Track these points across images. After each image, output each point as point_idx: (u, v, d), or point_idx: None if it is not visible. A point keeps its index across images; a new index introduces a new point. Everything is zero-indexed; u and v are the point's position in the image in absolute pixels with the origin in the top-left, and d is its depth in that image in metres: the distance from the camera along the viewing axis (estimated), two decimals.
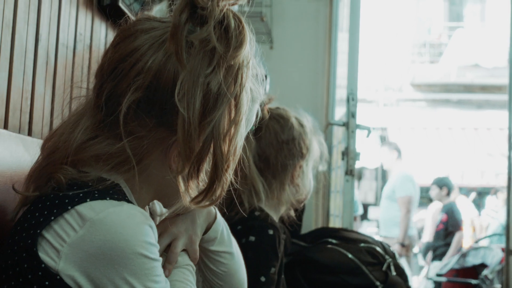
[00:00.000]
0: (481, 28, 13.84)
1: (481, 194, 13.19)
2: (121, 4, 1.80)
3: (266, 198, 1.64)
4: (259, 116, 1.62)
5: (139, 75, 0.97)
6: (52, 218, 0.91)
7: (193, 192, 0.99)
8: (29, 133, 1.38)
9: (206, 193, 0.97)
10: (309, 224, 3.28)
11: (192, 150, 0.93)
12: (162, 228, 1.16)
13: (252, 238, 1.54)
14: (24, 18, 1.35)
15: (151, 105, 0.98)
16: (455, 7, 14.64)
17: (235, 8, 3.57)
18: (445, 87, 13.49)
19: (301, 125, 1.72)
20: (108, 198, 0.93)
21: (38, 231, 0.91)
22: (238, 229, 1.55)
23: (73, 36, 1.61)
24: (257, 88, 1.10)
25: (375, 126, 11.89)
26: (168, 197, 1.08)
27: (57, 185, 0.97)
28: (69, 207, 0.91)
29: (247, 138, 1.61)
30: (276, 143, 1.66)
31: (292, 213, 1.76)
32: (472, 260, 5.95)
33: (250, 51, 1.00)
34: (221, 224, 1.25)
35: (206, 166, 0.96)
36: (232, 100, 0.96)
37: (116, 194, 0.96)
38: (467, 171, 11.97)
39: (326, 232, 2.24)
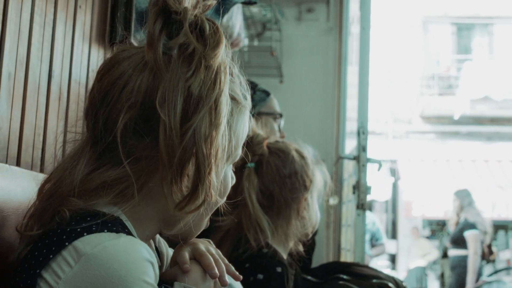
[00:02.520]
0: (489, 61, 13.87)
1: (493, 227, 13.08)
2: (133, 40, 1.82)
3: (272, 235, 1.62)
4: (259, 152, 1.61)
5: (131, 94, 0.97)
6: (51, 256, 0.89)
7: (177, 198, 0.97)
8: (41, 170, 1.38)
9: (190, 197, 0.96)
10: (320, 258, 3.26)
11: (173, 155, 0.93)
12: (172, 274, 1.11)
13: (260, 276, 1.51)
14: (38, 55, 1.36)
15: (146, 123, 0.98)
16: (463, 40, 14.71)
17: (246, 42, 3.58)
18: (454, 119, 13.47)
19: (302, 157, 1.70)
20: (106, 231, 0.91)
21: (38, 271, 0.89)
22: (246, 267, 1.53)
23: (85, 73, 1.62)
24: (243, 95, 1.09)
25: (384, 159, 11.87)
26: (173, 222, 1.06)
27: (61, 220, 0.95)
28: (67, 243, 0.89)
29: (248, 176, 1.60)
30: (279, 178, 1.64)
31: (301, 248, 1.74)
32: None
33: (226, 56, 1.00)
34: None
35: (189, 171, 0.95)
36: (212, 104, 0.95)
37: (115, 226, 0.94)
38: (478, 203, 11.88)
39: (337, 267, 2.21)
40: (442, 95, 14.10)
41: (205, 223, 1.12)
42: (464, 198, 7.18)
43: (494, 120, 13.63)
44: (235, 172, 1.59)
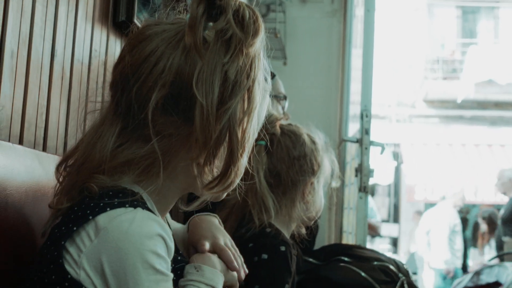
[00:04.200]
0: (494, 45, 13.80)
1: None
2: (136, 20, 1.81)
3: (276, 215, 1.62)
4: (271, 131, 1.62)
5: (163, 73, 0.99)
6: (74, 229, 0.93)
7: (207, 178, 1.00)
8: (44, 149, 1.38)
9: (221, 178, 0.99)
10: (322, 240, 3.27)
11: (209, 137, 0.95)
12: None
13: (264, 256, 1.52)
14: (40, 34, 1.36)
15: (177, 102, 0.99)
16: (468, 24, 14.62)
17: None
18: (458, 103, 13.44)
19: (313, 142, 1.71)
20: (127, 205, 0.94)
21: (62, 242, 0.93)
22: (250, 247, 1.54)
23: (88, 52, 1.62)
24: (265, 79, 1.11)
25: (388, 142, 11.85)
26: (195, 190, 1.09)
27: (90, 195, 0.98)
28: (90, 217, 0.93)
29: (258, 154, 1.61)
30: (288, 159, 1.65)
31: (303, 231, 1.74)
32: (486, 278, 5.88)
33: (262, 43, 1.03)
34: None
35: (221, 153, 0.98)
36: (248, 89, 0.99)
37: (136, 201, 0.97)
38: (481, 188, 11.88)
39: (339, 249, 2.22)
40: (446, 79, 14.05)
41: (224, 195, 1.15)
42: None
43: (498, 105, 13.59)
44: None
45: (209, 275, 1.06)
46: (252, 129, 1.02)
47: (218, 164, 1.00)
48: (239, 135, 0.98)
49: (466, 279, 6.10)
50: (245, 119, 0.99)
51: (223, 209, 1.65)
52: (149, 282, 0.90)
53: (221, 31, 0.98)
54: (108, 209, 0.94)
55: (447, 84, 13.83)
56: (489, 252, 8.16)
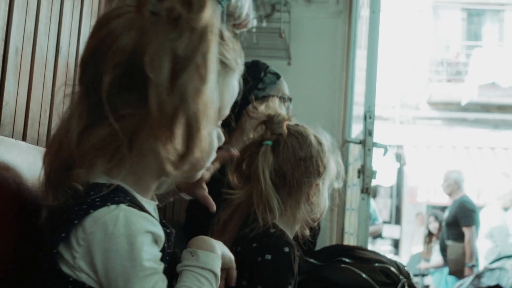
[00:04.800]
0: (499, 48, 13.78)
1: None
2: None
3: (281, 215, 1.62)
4: (278, 132, 1.62)
5: (117, 53, 1.00)
6: (63, 235, 0.97)
7: (172, 157, 1.00)
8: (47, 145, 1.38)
9: (184, 155, 0.99)
10: (324, 241, 3.26)
11: (165, 113, 0.97)
12: None
13: (268, 257, 1.52)
14: (45, 30, 1.36)
15: (132, 81, 1.00)
16: (473, 26, 14.61)
17: (254, 23, 3.56)
18: (462, 106, 13.42)
19: (320, 143, 1.70)
20: (109, 204, 0.97)
21: (55, 251, 0.97)
22: (254, 247, 1.54)
23: None
24: (234, 59, 1.14)
25: (391, 144, 11.84)
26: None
27: (73, 196, 1.00)
28: (76, 222, 0.96)
29: (264, 153, 1.61)
30: (294, 160, 1.64)
31: (307, 232, 1.74)
32: (487, 282, 5.87)
33: (214, 18, 1.03)
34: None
35: (180, 128, 0.99)
36: (199, 63, 0.99)
37: (118, 196, 0.99)
38: (483, 191, 11.86)
39: (340, 250, 2.22)
40: (450, 81, 14.04)
41: (199, 175, 1.20)
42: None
43: (502, 108, 13.57)
44: (252, 148, 1.60)
45: (204, 259, 1.08)
46: (210, 103, 1.02)
47: (181, 142, 1.00)
48: (194, 108, 0.98)
49: (467, 282, 6.09)
50: (201, 91, 0.99)
51: (227, 208, 1.65)
52: (138, 279, 0.94)
53: (167, 9, 0.99)
54: (91, 211, 0.97)
55: (451, 86, 13.81)
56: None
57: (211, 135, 1.11)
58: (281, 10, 3.55)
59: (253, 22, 3.42)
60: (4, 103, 1.19)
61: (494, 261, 7.04)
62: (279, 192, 1.61)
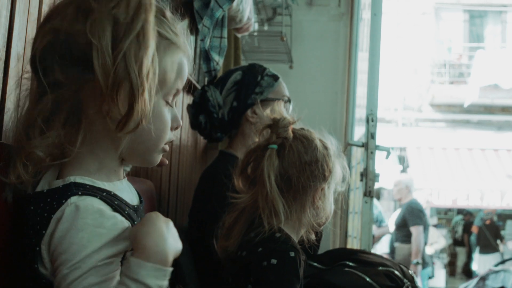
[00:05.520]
0: (501, 49, 13.76)
1: (501, 216, 13.05)
2: None
3: (286, 219, 1.61)
4: (283, 135, 1.61)
5: (51, 22, 1.09)
6: (44, 232, 1.03)
7: (118, 116, 1.06)
8: None
9: (127, 115, 1.04)
10: (327, 245, 3.26)
11: (108, 77, 1.02)
12: None
13: (273, 261, 1.51)
14: None
15: (69, 50, 1.07)
16: (475, 28, 14.60)
17: (256, 27, 3.56)
18: (465, 107, 13.41)
19: (325, 147, 1.69)
20: (63, 201, 1.03)
21: (37, 248, 1.03)
22: (259, 251, 1.53)
23: None
24: (174, 33, 1.18)
25: (393, 146, 11.83)
26: (130, 154, 1.16)
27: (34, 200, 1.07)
28: (51, 217, 1.03)
29: (270, 157, 1.60)
30: (299, 164, 1.63)
31: (313, 236, 1.73)
32: (492, 284, 5.87)
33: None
34: None
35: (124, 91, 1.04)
36: (139, 30, 1.04)
37: (76, 189, 1.05)
38: (487, 192, 11.85)
39: (343, 254, 2.21)
40: (453, 83, 14.03)
41: (156, 157, 1.21)
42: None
43: (505, 109, 13.55)
44: (258, 152, 1.59)
45: (135, 269, 1.02)
46: (151, 68, 1.07)
47: (124, 104, 1.05)
48: (137, 71, 1.03)
49: (471, 284, 6.09)
50: (141, 56, 1.04)
51: (232, 212, 1.65)
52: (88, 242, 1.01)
53: None
54: (52, 215, 1.03)
55: (454, 88, 13.80)
56: None
57: (159, 106, 1.15)
58: (283, 14, 3.55)
59: (255, 26, 3.43)
60: (6, 109, 1.19)
61: (498, 263, 7.03)
62: (285, 196, 1.60)
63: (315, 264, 2.10)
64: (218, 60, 2.61)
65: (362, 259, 2.10)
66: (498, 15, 14.47)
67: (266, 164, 1.58)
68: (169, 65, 1.15)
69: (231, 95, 2.30)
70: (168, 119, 1.18)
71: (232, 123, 2.29)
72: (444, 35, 14.35)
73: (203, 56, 2.58)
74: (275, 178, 1.59)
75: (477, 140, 13.32)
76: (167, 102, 1.17)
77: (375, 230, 6.86)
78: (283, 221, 1.58)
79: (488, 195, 11.79)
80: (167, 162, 1.31)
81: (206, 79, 2.82)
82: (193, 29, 2.60)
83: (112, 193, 1.10)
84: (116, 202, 1.08)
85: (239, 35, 3.28)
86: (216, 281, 1.77)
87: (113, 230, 1.03)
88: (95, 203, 1.04)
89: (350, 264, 2.05)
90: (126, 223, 1.07)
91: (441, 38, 14.31)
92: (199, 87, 2.69)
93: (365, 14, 3.68)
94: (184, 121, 2.62)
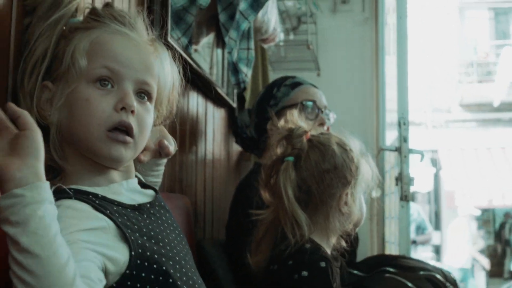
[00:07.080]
0: None
1: None
2: (170, 39, 1.83)
3: (310, 230, 1.56)
4: (297, 146, 1.57)
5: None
6: None
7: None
8: None
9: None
10: (364, 251, 3.23)
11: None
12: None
13: (304, 273, 1.47)
14: None
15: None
16: (500, 25, 14.44)
17: (281, 36, 3.55)
18: (495, 106, 13.23)
19: (345, 150, 1.63)
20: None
21: None
22: (289, 264, 1.50)
23: None
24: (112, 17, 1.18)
25: (425, 149, 11.71)
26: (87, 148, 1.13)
27: None
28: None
29: (286, 170, 1.57)
30: (317, 173, 1.57)
31: (343, 243, 1.68)
32: None
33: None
34: None
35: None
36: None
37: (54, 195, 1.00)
38: None
39: (383, 260, 2.19)
40: (481, 82, 13.86)
41: (103, 147, 1.12)
42: None
43: None
44: (277, 165, 1.56)
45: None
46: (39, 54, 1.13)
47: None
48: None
49: None
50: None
51: (261, 225, 1.63)
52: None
53: None
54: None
55: (483, 87, 13.64)
56: None
57: (79, 92, 1.11)
58: (307, 22, 3.55)
59: (280, 36, 3.43)
60: None
61: None
62: (306, 207, 1.56)
63: (355, 271, 2.08)
64: (247, 71, 2.62)
65: (403, 264, 2.08)
66: None
67: (282, 177, 1.54)
68: (76, 51, 1.12)
69: (254, 112, 2.34)
70: (96, 102, 1.10)
71: (260, 138, 2.29)
72: (469, 34, 14.21)
73: (231, 69, 2.59)
74: (293, 190, 1.54)
75: (510, 138, 13.12)
76: (102, 85, 1.11)
77: (418, 237, 6.82)
78: (306, 233, 1.53)
79: None
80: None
81: (235, 91, 2.83)
82: (220, 42, 2.61)
83: (99, 195, 1.09)
84: (97, 202, 1.07)
85: (265, 46, 3.29)
86: None
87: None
88: (68, 202, 1.04)
89: (391, 270, 2.03)
90: (100, 216, 1.05)
91: (467, 37, 14.17)
92: (228, 99, 2.69)
93: (389, 18, 3.66)
94: (217, 135, 2.62)
